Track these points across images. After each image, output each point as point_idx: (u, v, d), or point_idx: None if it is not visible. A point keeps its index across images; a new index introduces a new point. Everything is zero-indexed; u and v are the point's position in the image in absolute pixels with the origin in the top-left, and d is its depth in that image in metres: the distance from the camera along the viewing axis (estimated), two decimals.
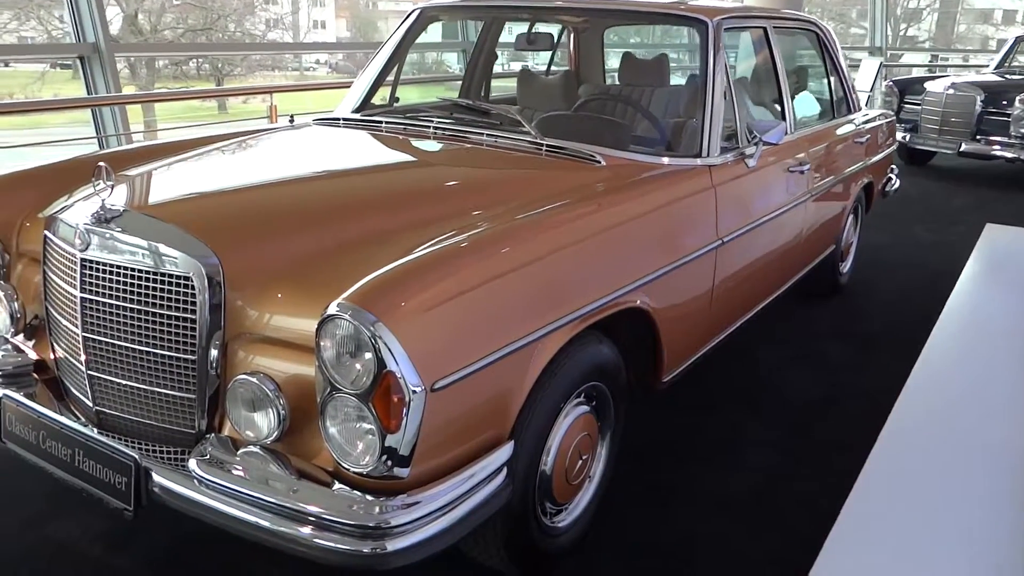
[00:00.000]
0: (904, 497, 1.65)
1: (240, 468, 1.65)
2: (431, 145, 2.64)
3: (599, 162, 2.41)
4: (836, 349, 3.64)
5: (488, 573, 2.03)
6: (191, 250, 1.73)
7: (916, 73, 10.53)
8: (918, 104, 7.68)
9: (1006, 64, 8.57)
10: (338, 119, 2.89)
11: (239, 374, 1.68)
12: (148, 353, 1.78)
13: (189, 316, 1.73)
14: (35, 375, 2.08)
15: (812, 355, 3.56)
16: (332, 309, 1.52)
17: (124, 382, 1.83)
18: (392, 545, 1.52)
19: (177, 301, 1.73)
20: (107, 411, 1.88)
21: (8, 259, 2.21)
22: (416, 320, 1.55)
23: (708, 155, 2.57)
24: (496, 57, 3.79)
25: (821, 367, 3.44)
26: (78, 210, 1.91)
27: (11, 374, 2.06)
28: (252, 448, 1.68)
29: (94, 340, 1.84)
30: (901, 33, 25.67)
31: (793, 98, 3.38)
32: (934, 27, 28.14)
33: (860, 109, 4.22)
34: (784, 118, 3.16)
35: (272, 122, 4.58)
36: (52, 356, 2.05)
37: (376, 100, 3.22)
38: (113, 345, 1.82)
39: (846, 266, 4.34)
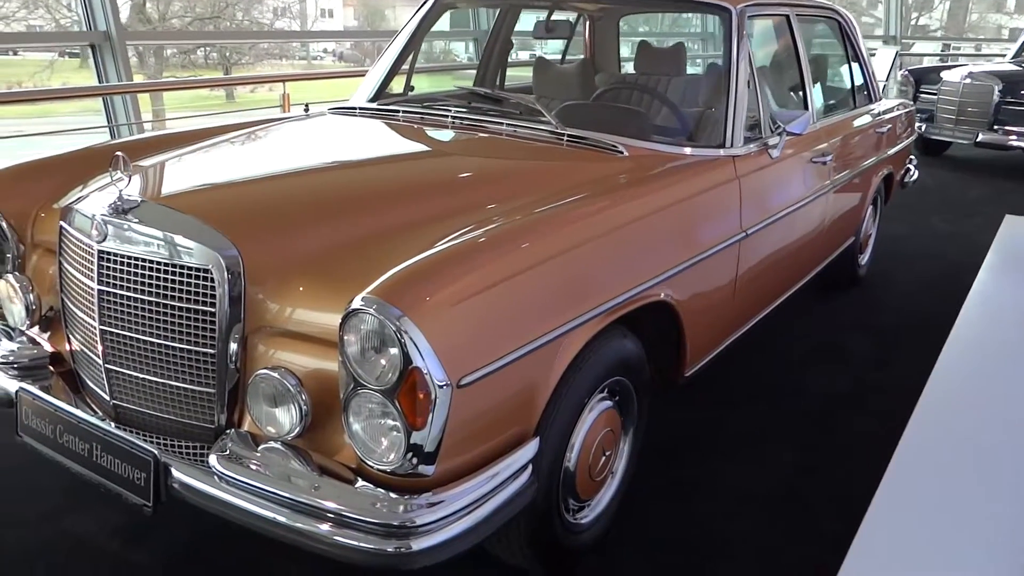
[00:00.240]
0: (933, 492, 1.61)
1: (261, 464, 1.61)
2: (450, 134, 2.60)
3: (621, 152, 2.36)
4: (856, 342, 3.59)
5: (510, 570, 2.00)
6: (210, 241, 1.70)
7: (927, 62, 10.42)
8: (934, 94, 7.60)
9: None
10: (354, 108, 2.84)
11: (260, 368, 1.65)
12: (166, 346, 1.75)
13: (208, 309, 1.70)
14: (51, 368, 2.06)
15: (832, 348, 3.51)
16: (356, 303, 1.48)
17: (142, 376, 1.80)
18: (417, 544, 1.49)
19: (196, 294, 1.70)
20: (124, 405, 1.85)
21: (23, 250, 2.18)
22: (442, 314, 1.51)
23: (732, 146, 2.52)
24: (512, 45, 3.74)
25: (842, 360, 3.39)
26: (94, 201, 1.88)
27: (27, 367, 2.04)
28: (273, 444, 1.65)
29: (111, 333, 1.81)
30: (912, 22, 25.42)
31: (815, 87, 3.32)
32: (945, 16, 27.85)
33: (880, 99, 4.16)
34: (806, 107, 3.10)
35: (285, 111, 4.53)
36: (68, 348, 2.02)
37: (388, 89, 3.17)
38: (131, 338, 1.78)
39: (864, 258, 4.29)
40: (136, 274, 1.75)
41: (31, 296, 2.09)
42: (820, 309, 3.93)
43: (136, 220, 1.76)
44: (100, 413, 1.91)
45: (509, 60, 3.81)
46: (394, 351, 1.46)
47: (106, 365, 1.84)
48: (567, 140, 2.42)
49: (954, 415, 1.96)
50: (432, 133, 2.60)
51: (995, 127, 7.07)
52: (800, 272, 3.24)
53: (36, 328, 2.13)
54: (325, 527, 1.51)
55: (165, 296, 1.73)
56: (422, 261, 1.59)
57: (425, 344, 1.45)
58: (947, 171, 7.50)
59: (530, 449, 1.70)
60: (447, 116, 2.63)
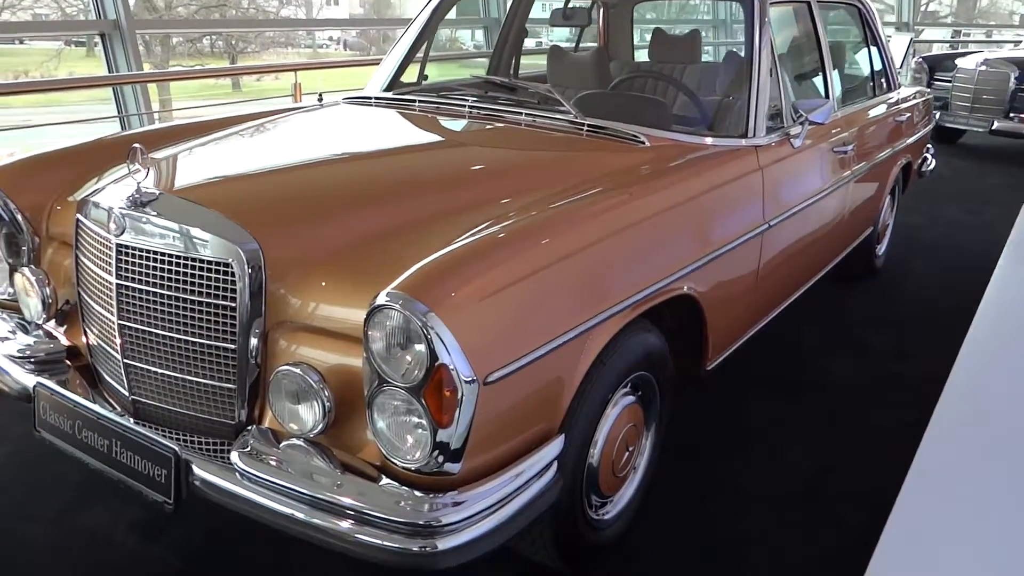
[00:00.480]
0: (960, 487, 1.58)
1: (283, 461, 1.59)
2: (468, 125, 2.56)
3: (643, 143, 2.32)
4: (875, 334, 3.55)
5: (533, 567, 1.97)
6: (230, 235, 1.67)
7: (936, 49, 10.31)
8: (948, 81, 7.52)
9: None
10: (369, 98, 2.81)
11: (281, 364, 1.62)
12: (186, 341, 1.72)
13: (229, 304, 1.67)
14: (67, 362, 2.04)
15: (851, 341, 3.47)
16: (381, 299, 1.45)
17: (161, 371, 1.77)
18: (443, 544, 1.46)
19: (216, 288, 1.67)
20: (143, 400, 1.83)
21: (38, 243, 2.16)
22: (469, 310, 1.48)
23: (754, 135, 2.48)
24: (526, 33, 3.69)
25: (861, 353, 3.35)
26: (111, 193, 1.85)
27: (43, 361, 2.01)
28: (295, 441, 1.62)
29: (130, 328, 1.78)
30: (922, 8, 25.16)
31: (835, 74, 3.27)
32: (956, 2, 27.55)
33: (900, 86, 4.10)
34: (828, 96, 3.05)
35: (297, 101, 4.49)
36: (85, 342, 2.00)
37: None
38: (150, 333, 1.76)
39: (881, 248, 4.24)
40: (155, 268, 1.72)
41: (47, 290, 2.06)
42: (837, 301, 3.89)
43: (154, 213, 1.73)
44: (118, 408, 1.88)
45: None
46: (420, 348, 1.43)
47: (125, 360, 1.81)
48: (587, 130, 2.38)
49: (979, 406, 1.92)
50: (450, 123, 2.56)
51: (1011, 115, 6.99)
52: (819, 264, 3.20)
53: (52, 322, 2.10)
54: (348, 525, 1.49)
55: (184, 290, 1.70)
56: (447, 255, 1.56)
57: (452, 340, 1.42)
58: (962, 159, 7.43)
59: (555, 446, 1.67)
60: (464, 106, 2.59)
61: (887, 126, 3.69)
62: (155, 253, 1.72)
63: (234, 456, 1.62)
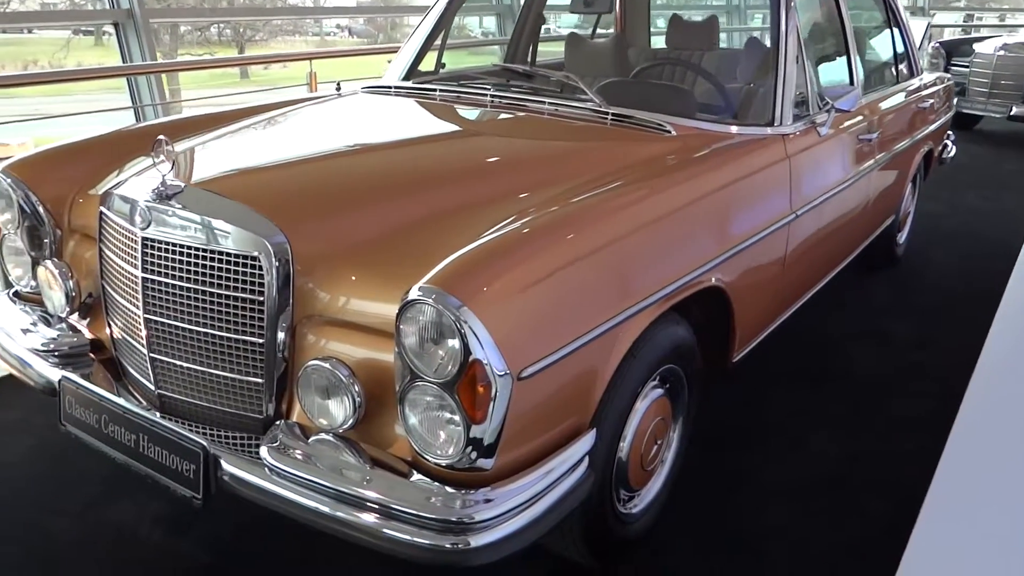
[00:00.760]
0: (991, 477, 1.55)
1: (312, 456, 1.57)
2: (491, 114, 2.53)
3: (669, 132, 2.28)
4: (897, 323, 3.51)
5: (562, 563, 1.96)
6: (257, 228, 1.65)
7: (948, 33, 10.19)
8: (965, 66, 7.42)
9: None
10: (388, 87, 2.78)
11: (310, 359, 1.61)
12: (213, 336, 1.71)
13: (256, 297, 1.65)
14: (91, 355, 2.02)
15: (874, 330, 3.44)
16: (414, 293, 1.43)
17: (188, 365, 1.76)
18: (476, 541, 1.44)
19: (243, 281, 1.65)
20: (170, 394, 1.82)
21: (60, 235, 2.14)
22: (502, 304, 1.46)
23: (781, 124, 2.44)
24: (544, 20, 3.65)
25: (884, 343, 3.32)
26: (135, 186, 1.83)
27: (67, 354, 2.00)
28: (324, 436, 1.61)
29: (156, 322, 1.77)
30: None
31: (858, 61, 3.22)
32: None
33: (922, 72, 4.04)
34: (853, 82, 3.00)
35: (312, 90, 4.46)
36: (109, 335, 1.99)
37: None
38: (176, 327, 1.74)
39: (903, 236, 4.20)
40: (181, 261, 1.70)
41: (70, 283, 2.04)
42: (860, 290, 3.85)
43: (180, 206, 1.71)
44: (144, 402, 1.87)
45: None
46: (453, 343, 1.41)
47: (151, 354, 1.80)
48: (611, 119, 2.34)
49: (1008, 394, 1.89)
50: (472, 113, 2.53)
51: None
52: (843, 253, 3.17)
53: (75, 315, 2.09)
54: (378, 520, 1.47)
55: (211, 284, 1.68)
56: (479, 248, 1.54)
57: (486, 335, 1.40)
58: (979, 146, 7.35)
59: (587, 441, 1.65)
60: (486, 94, 2.55)
61: (910, 113, 3.64)
62: (181, 246, 1.70)
63: (263, 451, 1.60)
